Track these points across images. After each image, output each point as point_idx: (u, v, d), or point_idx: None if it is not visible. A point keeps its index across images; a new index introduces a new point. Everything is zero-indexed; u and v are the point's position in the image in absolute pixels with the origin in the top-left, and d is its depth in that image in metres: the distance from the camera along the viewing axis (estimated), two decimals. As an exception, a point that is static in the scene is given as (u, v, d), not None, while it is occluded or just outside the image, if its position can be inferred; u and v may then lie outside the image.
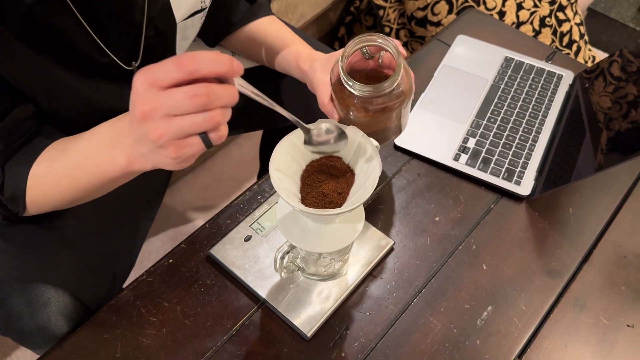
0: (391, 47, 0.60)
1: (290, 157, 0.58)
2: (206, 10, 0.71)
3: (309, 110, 0.74)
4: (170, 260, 0.71)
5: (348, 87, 0.60)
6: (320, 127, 0.56)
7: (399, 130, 0.72)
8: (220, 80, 0.44)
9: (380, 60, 0.66)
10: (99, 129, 0.55)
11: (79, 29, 0.57)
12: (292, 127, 0.59)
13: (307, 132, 0.56)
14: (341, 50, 0.63)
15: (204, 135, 0.45)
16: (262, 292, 0.68)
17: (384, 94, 0.60)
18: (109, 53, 0.62)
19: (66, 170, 0.56)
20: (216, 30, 0.82)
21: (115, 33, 0.61)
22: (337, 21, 1.65)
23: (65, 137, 0.59)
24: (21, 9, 0.52)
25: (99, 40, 0.59)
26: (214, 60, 0.42)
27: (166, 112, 0.43)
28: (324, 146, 0.57)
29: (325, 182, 0.58)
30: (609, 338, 0.69)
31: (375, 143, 0.60)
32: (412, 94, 0.66)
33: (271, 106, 0.50)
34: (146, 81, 0.43)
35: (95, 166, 0.54)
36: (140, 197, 0.76)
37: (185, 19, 0.68)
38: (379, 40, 0.61)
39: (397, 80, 0.60)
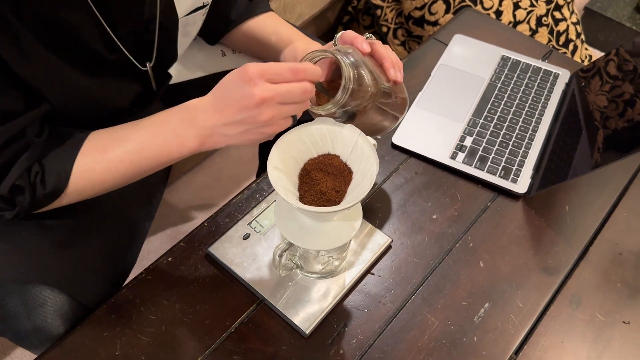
0: (331, 57, 0.58)
1: (288, 155, 0.58)
2: (208, 7, 0.71)
3: None
4: (169, 259, 0.72)
5: (309, 109, 0.60)
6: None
7: (396, 117, 0.69)
8: None
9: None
10: (161, 115, 0.61)
11: (94, 26, 0.58)
12: (290, 125, 0.60)
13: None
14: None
15: (294, 116, 0.59)
16: (261, 289, 0.68)
17: (342, 103, 0.58)
18: (123, 49, 0.62)
19: (125, 156, 0.60)
20: (215, 28, 0.82)
21: (126, 29, 0.62)
22: (335, 21, 1.66)
23: (107, 128, 0.62)
24: (40, 6, 0.52)
25: (114, 36, 0.60)
26: (316, 70, 0.56)
27: (280, 101, 0.55)
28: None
29: (323, 180, 0.58)
30: (605, 335, 0.69)
31: (373, 141, 0.60)
32: (383, 85, 0.63)
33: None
34: (262, 76, 0.54)
35: (161, 148, 0.60)
36: (139, 195, 0.77)
37: (187, 14, 0.68)
38: (317, 57, 0.59)
39: (349, 88, 0.57)
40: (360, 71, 0.59)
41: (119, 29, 0.60)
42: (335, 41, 0.65)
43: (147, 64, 0.67)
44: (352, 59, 0.59)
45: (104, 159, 0.60)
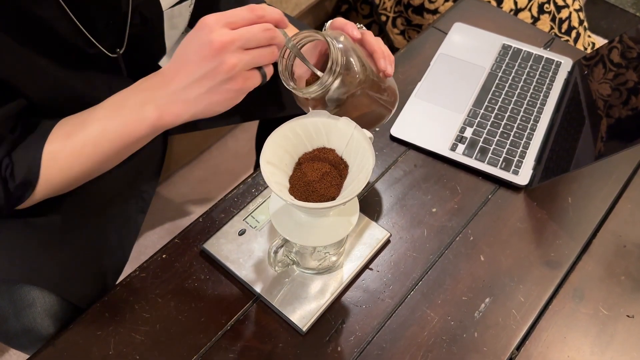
0: (320, 37, 0.56)
1: (282, 149, 0.57)
2: None
3: None
4: (164, 256, 0.70)
5: (292, 91, 0.58)
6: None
7: (387, 110, 0.68)
8: None
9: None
10: (122, 92, 0.57)
11: (65, 20, 0.56)
12: (286, 118, 0.58)
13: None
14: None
15: (262, 70, 0.54)
16: (257, 286, 0.67)
17: (328, 87, 0.56)
18: (97, 44, 0.60)
19: (87, 139, 0.57)
20: None
21: (102, 23, 0.60)
22: (333, 10, 1.63)
23: (75, 114, 0.59)
24: (9, 2, 0.50)
25: (85, 31, 0.58)
26: (275, 11, 0.53)
27: (242, 45, 0.51)
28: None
29: (318, 175, 0.57)
30: (609, 329, 0.68)
31: (369, 134, 0.59)
32: (373, 74, 0.61)
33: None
34: (219, 21, 0.50)
35: (121, 127, 0.56)
36: (130, 190, 0.75)
37: (172, 6, 0.66)
38: (305, 39, 0.56)
39: (336, 71, 0.55)
40: (349, 57, 0.58)
41: (95, 24, 0.59)
42: (324, 29, 0.64)
43: (118, 50, 0.65)
44: (341, 44, 0.58)
45: (68, 144, 0.57)
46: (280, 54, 0.56)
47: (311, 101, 0.60)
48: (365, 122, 0.66)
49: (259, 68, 0.54)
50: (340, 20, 0.63)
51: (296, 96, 0.61)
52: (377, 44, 0.63)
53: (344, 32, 0.61)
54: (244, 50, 0.51)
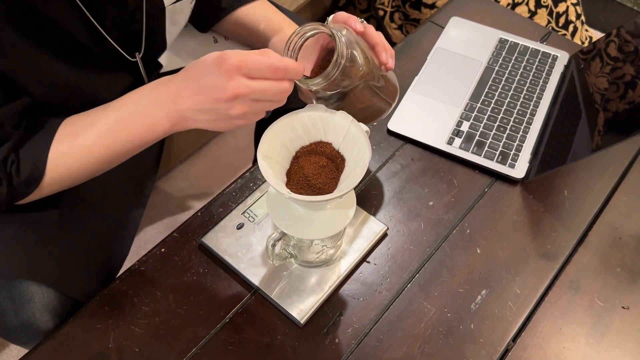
0: (326, 30, 0.56)
1: (279, 143, 0.57)
2: None
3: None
4: (163, 249, 0.71)
5: (297, 83, 0.58)
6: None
7: (387, 104, 0.69)
8: None
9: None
10: (132, 95, 0.59)
11: (76, 16, 0.56)
12: (284, 112, 0.58)
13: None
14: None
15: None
16: (255, 279, 0.68)
17: (333, 79, 0.57)
18: (109, 39, 0.61)
19: (98, 141, 0.58)
20: (206, 16, 0.81)
21: (110, 19, 0.60)
22: (331, 5, 1.63)
23: (80, 113, 0.60)
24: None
25: (99, 26, 0.58)
26: (297, 71, 0.54)
27: (255, 98, 0.53)
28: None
29: (315, 168, 0.57)
30: (604, 320, 0.68)
31: (366, 128, 0.59)
32: (375, 67, 0.62)
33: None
34: (240, 69, 0.51)
35: (133, 131, 0.58)
36: (128, 184, 0.75)
37: (174, 2, 0.67)
38: (310, 32, 0.57)
39: (341, 63, 0.56)
40: (353, 49, 0.58)
41: (103, 20, 0.59)
42: (327, 22, 0.64)
43: (137, 55, 0.66)
44: (344, 37, 0.58)
45: (77, 144, 0.59)
46: (285, 47, 0.57)
47: (314, 93, 0.60)
48: (366, 116, 0.67)
49: None
50: (342, 14, 0.63)
51: (299, 88, 0.61)
52: (378, 37, 0.64)
53: (346, 25, 0.61)
54: (254, 101, 0.53)
